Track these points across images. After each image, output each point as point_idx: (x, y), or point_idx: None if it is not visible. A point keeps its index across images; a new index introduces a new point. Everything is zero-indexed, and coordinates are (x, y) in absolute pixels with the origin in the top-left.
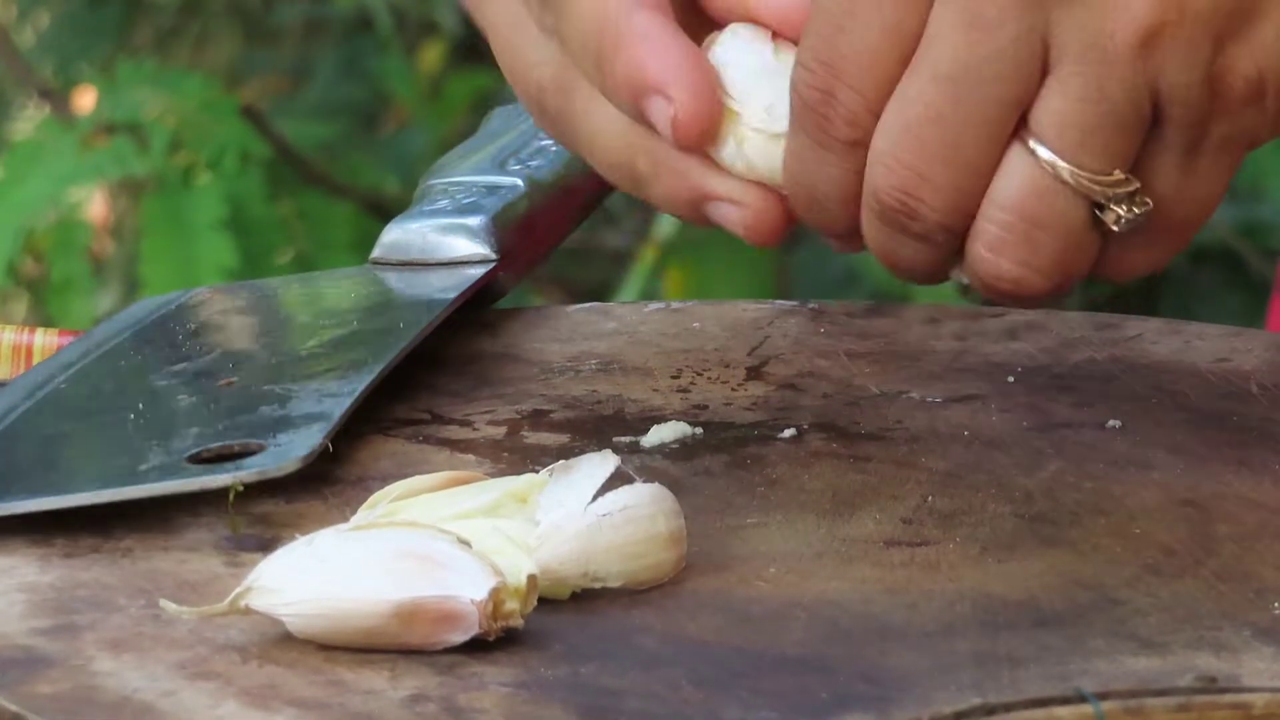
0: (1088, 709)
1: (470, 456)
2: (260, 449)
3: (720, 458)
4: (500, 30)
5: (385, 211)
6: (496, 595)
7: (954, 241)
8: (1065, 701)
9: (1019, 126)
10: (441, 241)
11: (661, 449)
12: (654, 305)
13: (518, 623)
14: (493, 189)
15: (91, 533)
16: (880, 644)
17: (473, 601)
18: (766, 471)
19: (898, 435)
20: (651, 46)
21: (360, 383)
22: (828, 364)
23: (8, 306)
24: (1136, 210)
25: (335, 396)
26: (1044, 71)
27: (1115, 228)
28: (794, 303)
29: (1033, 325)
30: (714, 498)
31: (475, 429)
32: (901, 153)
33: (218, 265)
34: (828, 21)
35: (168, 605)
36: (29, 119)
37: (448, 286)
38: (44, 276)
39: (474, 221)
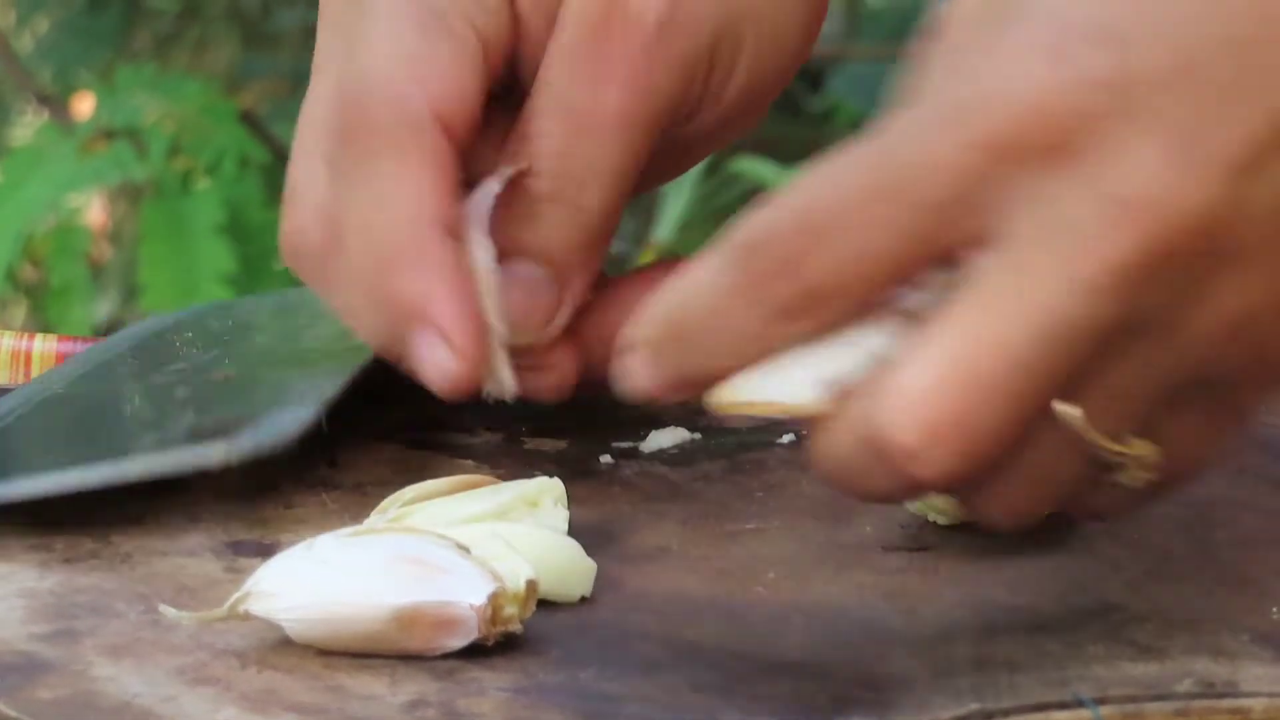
0: (1086, 714)
1: (469, 462)
2: (254, 424)
3: (719, 463)
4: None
5: None
6: (495, 600)
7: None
8: (1063, 706)
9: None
10: None
11: (660, 454)
12: None
13: (517, 628)
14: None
15: (91, 538)
16: (878, 649)
17: (471, 606)
18: (765, 477)
19: None
20: (438, 278)
21: (356, 365)
22: None
23: (7, 312)
24: (1144, 475)
25: (333, 378)
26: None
27: (1124, 482)
28: None
29: None
30: (713, 503)
31: (474, 435)
32: (956, 376)
33: (216, 270)
34: (842, 186)
35: (167, 610)
36: (28, 124)
37: None
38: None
39: None
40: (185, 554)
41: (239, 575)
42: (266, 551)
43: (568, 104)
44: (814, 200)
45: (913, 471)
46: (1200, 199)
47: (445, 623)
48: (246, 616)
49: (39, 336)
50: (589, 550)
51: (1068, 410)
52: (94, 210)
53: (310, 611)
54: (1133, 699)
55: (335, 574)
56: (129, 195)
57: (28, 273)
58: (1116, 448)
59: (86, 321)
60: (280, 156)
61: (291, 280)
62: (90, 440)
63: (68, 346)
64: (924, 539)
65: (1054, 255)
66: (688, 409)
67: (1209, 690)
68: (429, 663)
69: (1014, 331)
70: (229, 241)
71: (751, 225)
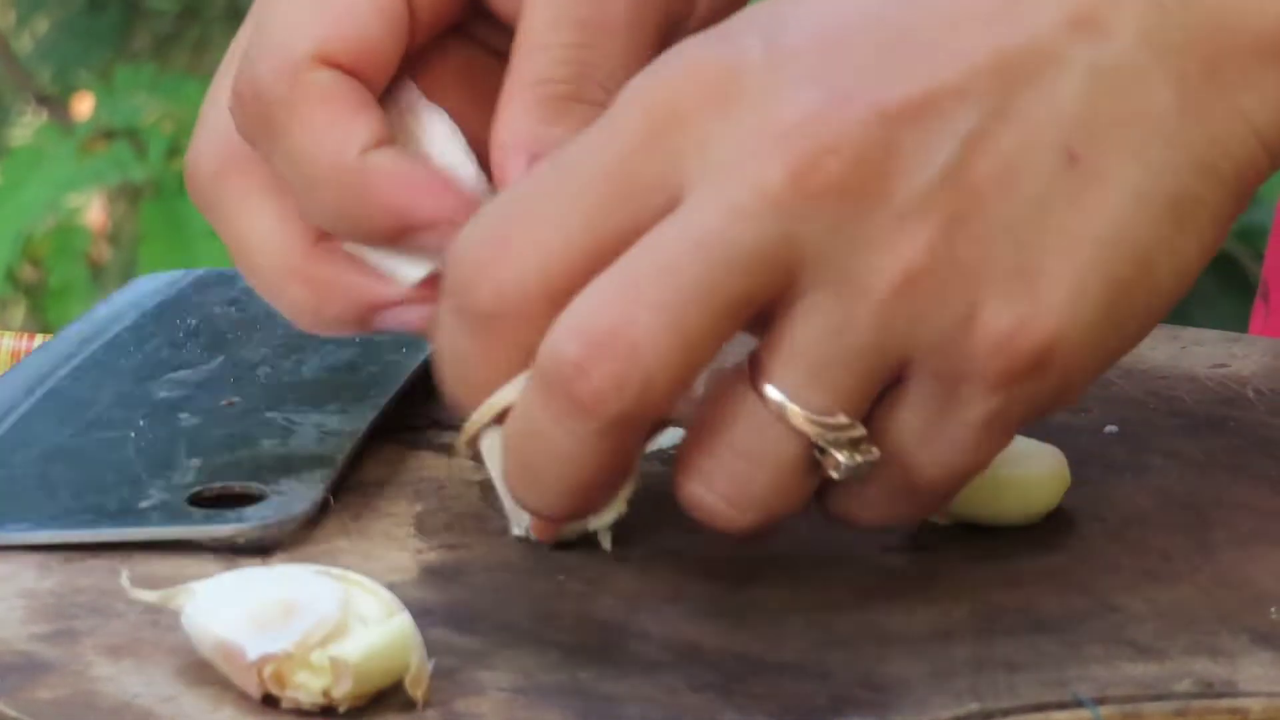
0: (1085, 714)
1: (469, 462)
2: (261, 495)
3: None
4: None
5: None
6: (279, 664)
7: (635, 432)
8: (1062, 707)
9: (750, 361)
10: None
11: (660, 454)
12: None
13: (336, 704)
14: None
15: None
16: (878, 649)
17: (250, 662)
18: None
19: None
20: (409, 183)
21: (361, 421)
22: None
23: (6, 312)
24: (859, 459)
25: (336, 435)
26: (789, 292)
27: (834, 473)
28: None
29: None
30: None
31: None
32: (615, 305)
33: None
34: (523, 192)
35: (125, 584)
36: (27, 125)
37: None
38: (42, 282)
39: None
40: (185, 554)
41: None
42: (266, 551)
43: (574, 17)
44: (495, 210)
45: (583, 389)
46: (848, 132)
47: (241, 672)
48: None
49: (39, 337)
50: (589, 548)
51: (760, 383)
52: (93, 210)
53: (204, 637)
54: (1132, 699)
55: (230, 608)
56: (128, 195)
57: (27, 273)
58: (815, 419)
59: None
60: None
61: None
62: (94, 481)
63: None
64: (923, 540)
65: (712, 185)
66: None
67: (1208, 690)
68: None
69: (670, 249)
70: None
71: (450, 255)
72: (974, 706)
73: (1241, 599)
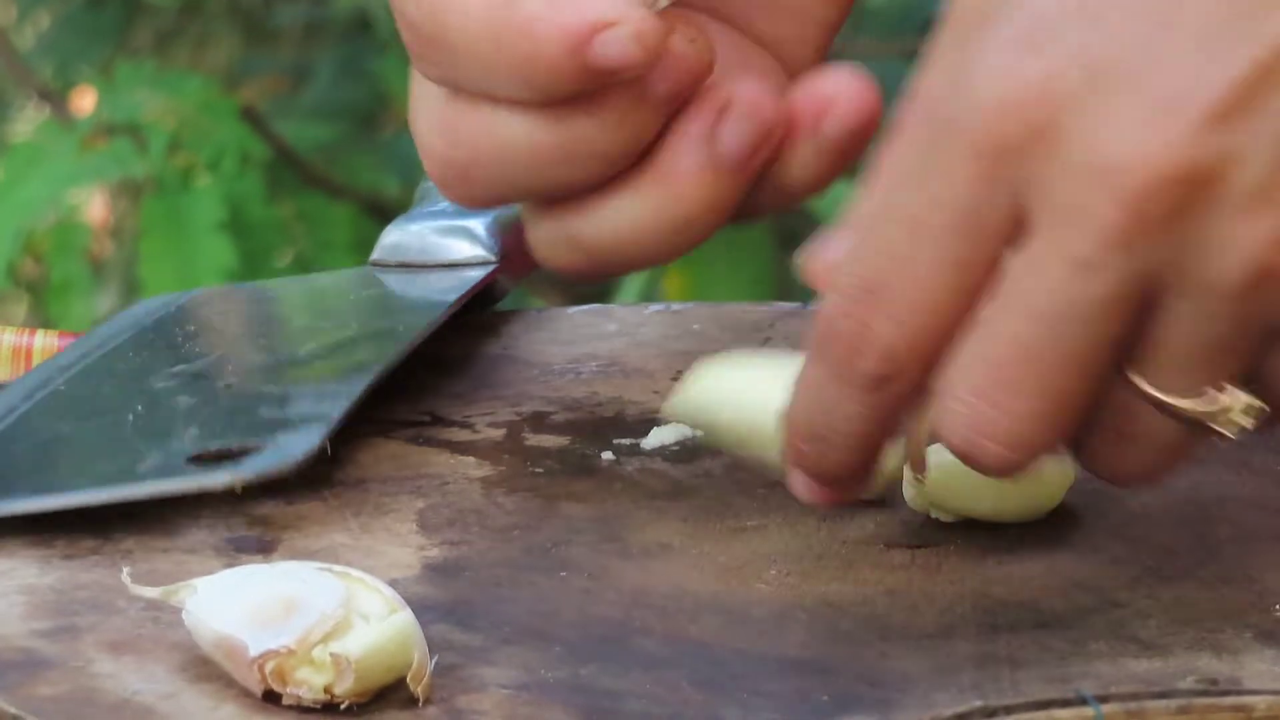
0: (1088, 711)
1: (470, 458)
2: (259, 449)
3: (720, 460)
4: None
5: (385, 213)
6: (280, 660)
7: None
8: (1066, 704)
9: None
10: (441, 243)
11: (662, 451)
12: (655, 307)
13: (339, 700)
14: None
15: (92, 535)
16: (881, 646)
17: (251, 659)
18: (766, 473)
19: None
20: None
21: (359, 384)
22: None
23: (7, 308)
24: (1250, 420)
25: (334, 398)
26: (1149, 305)
27: (1233, 435)
28: (795, 305)
29: None
30: (714, 500)
31: (476, 431)
32: (985, 388)
33: (217, 267)
34: (878, 246)
35: (126, 579)
36: (28, 120)
37: (448, 288)
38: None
39: (474, 224)
40: (186, 551)
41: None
42: (267, 548)
43: None
44: (860, 268)
45: (981, 465)
46: (1176, 152)
47: (243, 669)
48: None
49: (40, 332)
50: (593, 544)
51: (1133, 379)
52: (95, 206)
53: (207, 635)
54: (1135, 696)
55: (233, 603)
56: (129, 191)
57: (28, 269)
58: (1190, 404)
59: (87, 317)
60: (281, 153)
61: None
62: (94, 455)
63: (69, 342)
64: (926, 536)
65: (1053, 236)
66: None
67: (1212, 687)
68: (430, 659)
69: (1023, 325)
70: (229, 238)
71: (819, 316)
72: (977, 703)
73: (1245, 596)
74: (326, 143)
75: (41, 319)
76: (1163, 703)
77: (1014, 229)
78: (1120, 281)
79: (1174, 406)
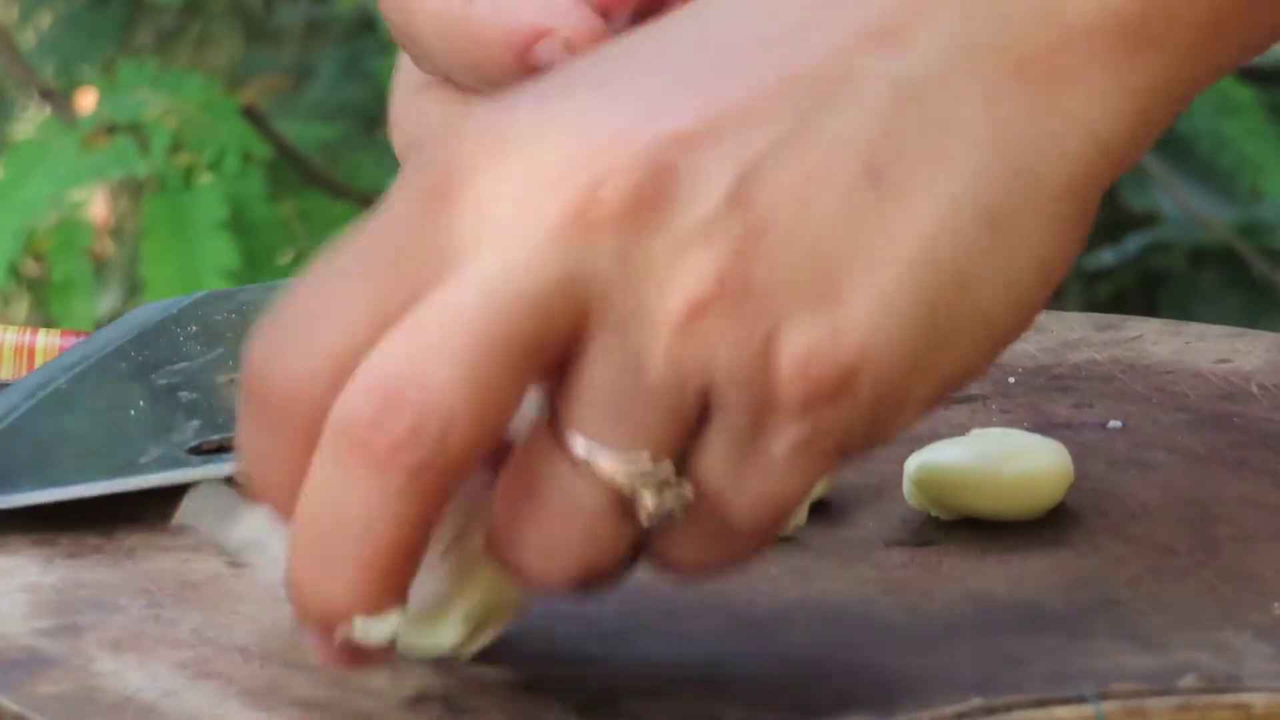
0: (1089, 709)
1: None
2: None
3: None
4: None
5: None
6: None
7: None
8: (1066, 702)
9: (550, 411)
10: None
11: None
12: None
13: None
14: None
15: (94, 533)
16: (881, 645)
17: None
18: None
19: (899, 436)
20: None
21: None
22: None
23: (9, 307)
24: (669, 501)
25: None
26: (582, 334)
27: (644, 518)
28: None
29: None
30: None
31: None
32: (404, 357)
33: (219, 266)
34: (308, 282)
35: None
36: (30, 119)
37: None
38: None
39: None
40: (189, 549)
41: (241, 570)
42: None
43: None
44: (284, 302)
45: (380, 442)
46: (620, 164)
47: None
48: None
49: (42, 331)
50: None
51: (559, 423)
52: (96, 205)
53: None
54: (1135, 694)
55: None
56: (131, 190)
57: (30, 268)
58: (619, 462)
59: (89, 316)
60: (283, 152)
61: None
62: (96, 449)
63: (70, 342)
64: (926, 535)
65: (491, 239)
66: None
67: (1211, 685)
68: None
69: (454, 303)
70: (231, 237)
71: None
72: (977, 701)
73: (1245, 594)
74: (328, 142)
75: (43, 318)
76: (1163, 700)
77: (446, 264)
78: (551, 278)
79: (595, 459)
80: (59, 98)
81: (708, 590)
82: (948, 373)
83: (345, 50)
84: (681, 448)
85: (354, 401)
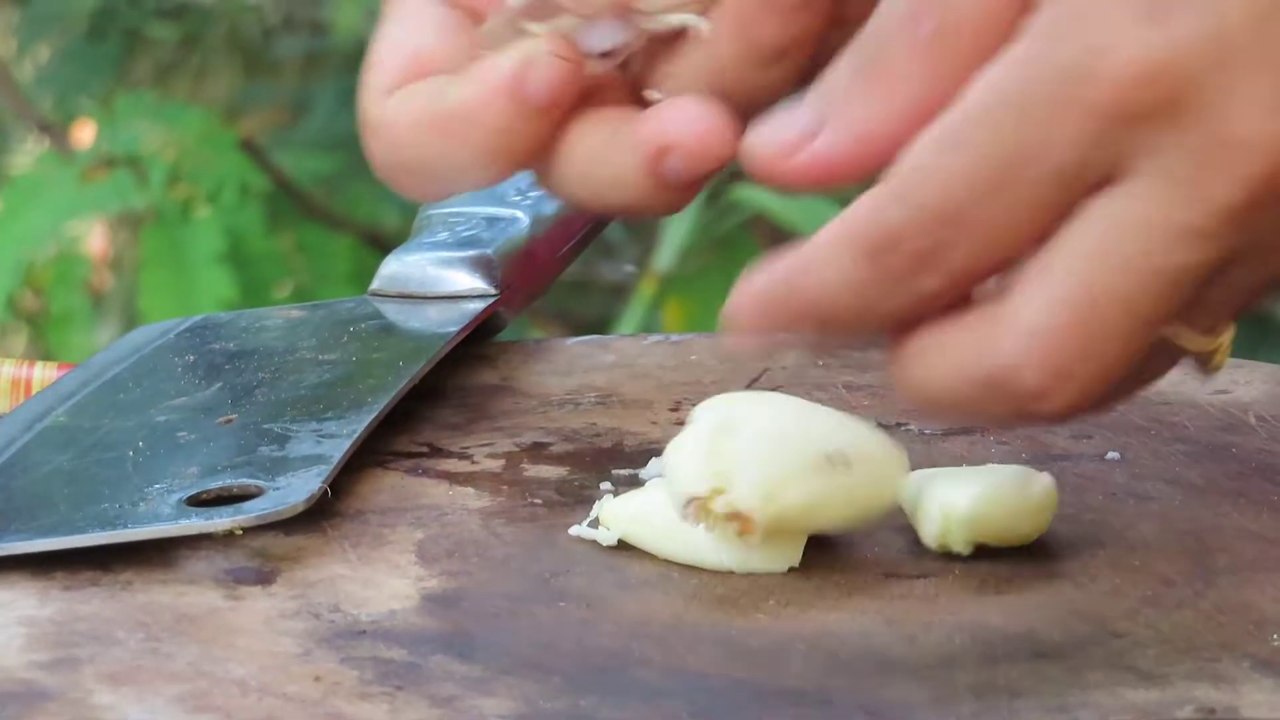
0: None
1: (470, 489)
2: (259, 491)
3: None
4: None
5: (384, 244)
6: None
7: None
8: None
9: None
10: (441, 275)
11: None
12: (653, 338)
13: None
14: (492, 221)
15: (91, 566)
16: (880, 676)
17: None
18: None
19: None
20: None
21: (359, 423)
22: (826, 396)
23: (7, 340)
24: (1224, 358)
25: (334, 438)
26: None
27: (1212, 372)
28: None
29: None
30: None
31: (474, 462)
32: (1069, 332)
33: (217, 298)
34: (963, 172)
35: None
36: (28, 153)
37: (447, 321)
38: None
39: (474, 255)
40: (185, 582)
41: (239, 604)
42: (267, 579)
43: None
44: (941, 191)
45: (1038, 408)
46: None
47: None
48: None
49: (39, 364)
50: (592, 574)
51: (1176, 331)
52: (94, 238)
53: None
54: None
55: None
56: (129, 223)
57: (28, 300)
58: (1208, 346)
59: (87, 349)
60: (280, 185)
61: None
62: (94, 493)
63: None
64: (924, 566)
65: (1163, 205)
66: None
67: (1209, 717)
68: (429, 690)
69: (1131, 281)
70: (229, 269)
71: (873, 222)
72: None
73: (1243, 625)
74: (326, 174)
75: (41, 351)
76: None
77: (1103, 184)
78: (1220, 253)
79: (1188, 348)
80: (57, 131)
81: (705, 621)
82: None
83: (343, 82)
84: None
85: (1025, 371)
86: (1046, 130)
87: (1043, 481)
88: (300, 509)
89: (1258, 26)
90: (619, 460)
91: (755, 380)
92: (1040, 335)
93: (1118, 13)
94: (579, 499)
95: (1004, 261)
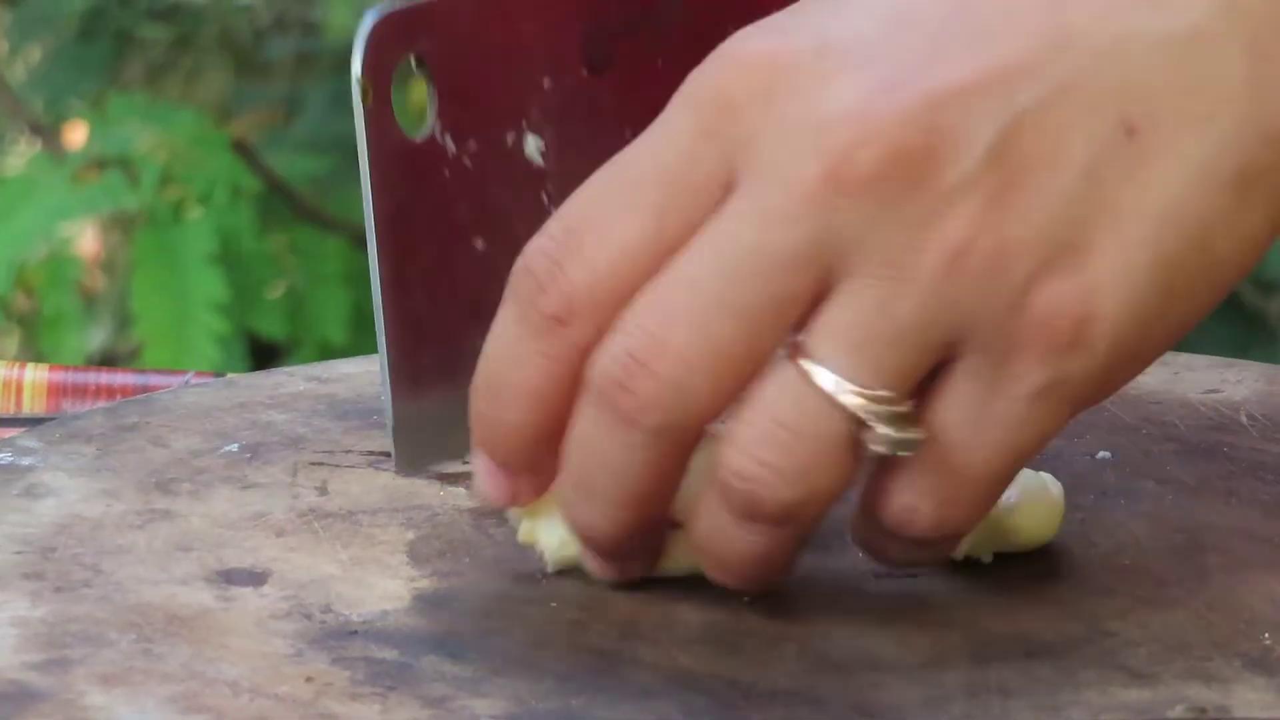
0: None
1: (461, 489)
2: None
3: None
4: None
5: None
6: None
7: (686, 444)
8: None
9: (793, 344)
10: None
11: None
12: None
13: None
14: None
15: (82, 567)
16: (871, 676)
17: None
18: None
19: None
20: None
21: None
22: None
23: None
24: (902, 434)
25: None
26: (831, 281)
27: (877, 447)
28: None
29: None
30: None
31: (465, 462)
32: (652, 324)
33: (209, 299)
34: (589, 190)
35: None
36: (20, 154)
37: None
38: (35, 311)
39: None
40: (177, 583)
41: (230, 604)
42: (259, 580)
43: None
44: (564, 210)
45: (627, 403)
46: (887, 122)
47: None
48: None
49: (30, 366)
50: (584, 574)
51: (800, 362)
52: (86, 239)
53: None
54: None
55: None
56: (121, 224)
57: (20, 302)
58: (859, 392)
59: (79, 351)
60: (272, 185)
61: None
62: None
63: (60, 376)
64: (916, 566)
65: (751, 187)
66: None
67: (1201, 716)
68: (420, 690)
69: (703, 262)
70: (221, 270)
71: (523, 253)
72: None
73: (1235, 624)
74: (318, 175)
75: (33, 353)
76: None
77: (722, 192)
78: (802, 239)
79: (836, 387)
80: (48, 132)
81: (696, 621)
82: (1177, 325)
83: (335, 83)
84: (918, 390)
85: (608, 364)
86: (656, 133)
87: (1056, 486)
88: None
89: (869, 35)
90: None
91: None
92: (622, 335)
93: (745, 31)
94: None
95: (624, 281)
